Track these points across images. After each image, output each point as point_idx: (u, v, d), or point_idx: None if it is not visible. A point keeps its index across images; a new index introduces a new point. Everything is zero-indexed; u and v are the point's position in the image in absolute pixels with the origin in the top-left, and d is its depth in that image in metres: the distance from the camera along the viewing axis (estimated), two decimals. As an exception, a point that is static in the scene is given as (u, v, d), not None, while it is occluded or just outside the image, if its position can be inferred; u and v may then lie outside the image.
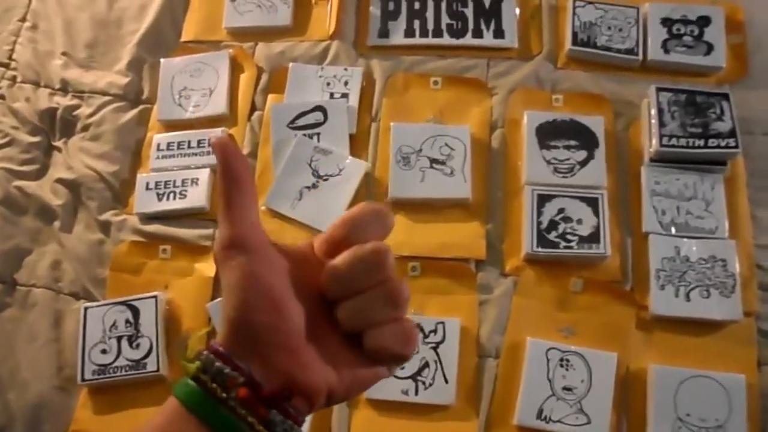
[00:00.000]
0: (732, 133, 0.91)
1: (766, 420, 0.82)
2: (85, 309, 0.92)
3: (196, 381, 0.36)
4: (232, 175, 0.38)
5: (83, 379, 0.89)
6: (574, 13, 1.03)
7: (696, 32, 1.00)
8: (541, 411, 0.83)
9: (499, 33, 1.04)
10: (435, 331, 0.87)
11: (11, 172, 1.04)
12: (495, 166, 0.97)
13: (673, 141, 0.91)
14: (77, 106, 1.07)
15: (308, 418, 0.83)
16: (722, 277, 0.87)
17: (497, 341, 0.87)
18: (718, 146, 0.91)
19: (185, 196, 0.98)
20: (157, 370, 0.88)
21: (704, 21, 1.00)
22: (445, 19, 1.05)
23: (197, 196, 0.98)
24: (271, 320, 0.36)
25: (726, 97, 0.93)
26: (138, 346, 0.90)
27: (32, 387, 0.90)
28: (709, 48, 0.99)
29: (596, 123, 0.96)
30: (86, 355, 0.90)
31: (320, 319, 0.38)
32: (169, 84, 1.07)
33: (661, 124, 0.92)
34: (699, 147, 0.91)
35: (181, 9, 1.13)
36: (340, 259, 0.38)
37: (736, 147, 0.90)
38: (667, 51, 1.00)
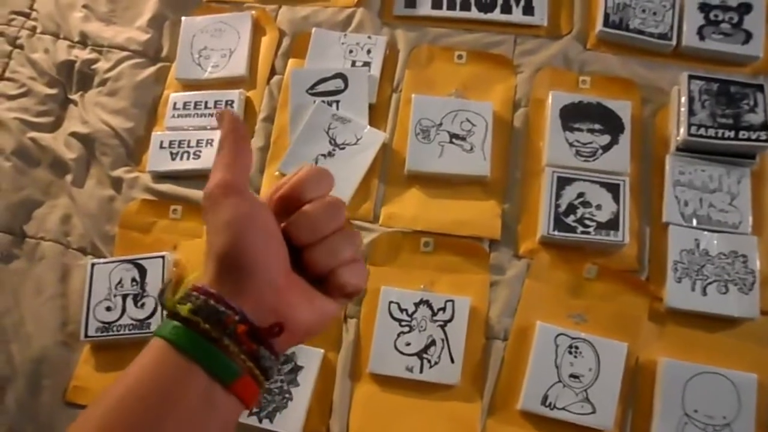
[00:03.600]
0: (764, 126, 0.87)
1: (775, 421, 0.81)
2: (92, 265, 0.91)
3: (187, 322, 0.38)
4: (239, 136, 0.44)
5: (86, 336, 0.89)
6: (607, -7, 1.00)
7: (735, 20, 0.96)
8: (546, 397, 0.81)
9: (528, 10, 1.01)
10: (444, 309, 0.86)
11: (26, 123, 1.03)
12: (516, 146, 0.94)
13: (702, 131, 0.88)
14: (95, 60, 1.06)
15: (309, 392, 0.83)
16: (742, 273, 0.85)
17: (506, 323, 0.86)
18: (749, 139, 0.88)
19: (199, 156, 0.97)
20: (161, 331, 0.87)
21: (745, 8, 0.96)
22: (474, -8, 1.03)
23: (211, 158, 0.95)
24: (264, 257, 0.39)
25: (761, 88, 0.90)
26: (143, 305, 0.89)
27: (35, 340, 0.90)
28: (748, 36, 0.95)
29: (623, 107, 0.93)
30: (91, 312, 0.89)
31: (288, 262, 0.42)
32: (189, 43, 1.05)
33: (691, 112, 0.89)
34: (728, 138, 0.88)
35: (206, -33, 1.11)
36: (311, 207, 0.43)
37: (767, 141, 0.87)
38: (702, 38, 0.96)
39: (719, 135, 0.88)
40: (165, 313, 0.40)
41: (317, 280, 0.43)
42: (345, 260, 0.43)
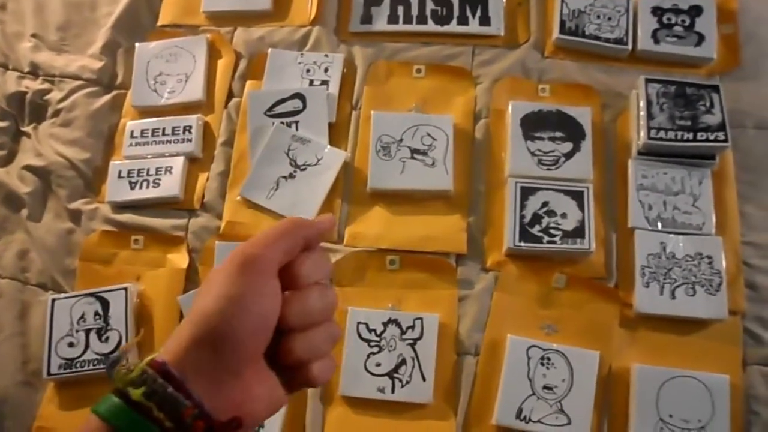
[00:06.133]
0: (721, 127, 0.88)
1: (749, 421, 0.80)
2: (53, 300, 0.89)
3: (137, 406, 0.34)
4: (310, 232, 0.42)
5: (49, 374, 0.86)
6: (562, 1, 1.00)
7: (687, 22, 0.97)
8: (520, 411, 0.81)
9: (485, 20, 1.01)
10: (413, 327, 0.84)
11: (-23, 158, 1.00)
12: (478, 158, 0.94)
13: (662, 134, 0.88)
14: (48, 91, 1.04)
15: (281, 417, 0.81)
16: (708, 274, 0.85)
17: (477, 338, 0.85)
18: (707, 140, 0.88)
19: (158, 184, 0.95)
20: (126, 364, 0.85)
21: (696, 11, 0.97)
22: (429, 5, 1.02)
23: (171, 185, 0.95)
24: (247, 345, 0.36)
25: (716, 89, 0.90)
26: (107, 339, 0.87)
27: (-5, 381, 0.88)
28: (700, 38, 0.96)
29: (583, 114, 0.93)
30: (53, 349, 0.87)
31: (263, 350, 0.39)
32: (144, 69, 1.03)
33: (650, 116, 0.89)
34: (687, 140, 0.88)
35: (158, -9, 1.10)
36: (310, 293, 0.41)
37: (726, 141, 0.87)
38: (657, 41, 0.97)
39: (678, 137, 0.88)
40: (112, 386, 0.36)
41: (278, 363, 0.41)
42: (322, 354, 0.41)
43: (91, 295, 0.89)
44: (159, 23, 1.08)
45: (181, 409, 0.34)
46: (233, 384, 0.36)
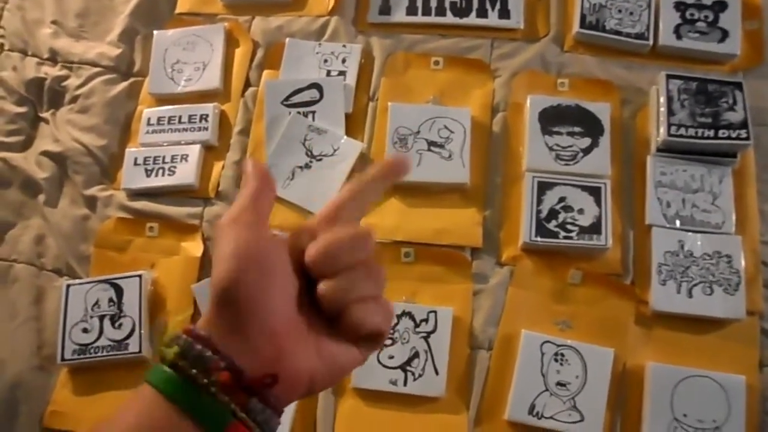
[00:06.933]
0: (744, 124, 0.87)
1: (765, 422, 0.80)
2: (68, 286, 0.90)
3: (174, 367, 0.35)
4: (264, 186, 0.40)
5: (63, 359, 0.87)
6: (583, -5, 0.99)
7: (711, 18, 0.96)
8: (533, 406, 0.80)
9: (504, 13, 1.00)
10: (426, 320, 0.84)
11: (-4, 142, 1.01)
12: (495, 151, 0.93)
13: (682, 131, 0.87)
14: (66, 77, 1.04)
15: (293, 407, 0.81)
16: (726, 273, 0.84)
17: (491, 333, 0.84)
18: (729, 137, 0.87)
19: (174, 172, 0.95)
20: (139, 351, 0.86)
21: (720, 6, 0.96)
22: (449, -3, 1.01)
23: (186, 173, 0.95)
24: (261, 297, 0.36)
25: (739, 86, 0.89)
26: (120, 326, 0.88)
27: (10, 366, 0.88)
28: (724, 34, 0.95)
29: (602, 109, 0.92)
30: (67, 334, 0.87)
31: (304, 301, 0.38)
32: (161, 57, 1.03)
33: (670, 112, 0.88)
34: (708, 137, 0.87)
35: (177, -20, 1.09)
36: (332, 233, 0.38)
37: (748, 139, 0.86)
38: (679, 36, 0.95)
39: (699, 134, 0.87)
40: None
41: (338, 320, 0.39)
42: (359, 297, 0.38)
43: (106, 281, 0.90)
44: (177, 11, 1.08)
45: (209, 363, 0.35)
46: (261, 342, 0.36)
